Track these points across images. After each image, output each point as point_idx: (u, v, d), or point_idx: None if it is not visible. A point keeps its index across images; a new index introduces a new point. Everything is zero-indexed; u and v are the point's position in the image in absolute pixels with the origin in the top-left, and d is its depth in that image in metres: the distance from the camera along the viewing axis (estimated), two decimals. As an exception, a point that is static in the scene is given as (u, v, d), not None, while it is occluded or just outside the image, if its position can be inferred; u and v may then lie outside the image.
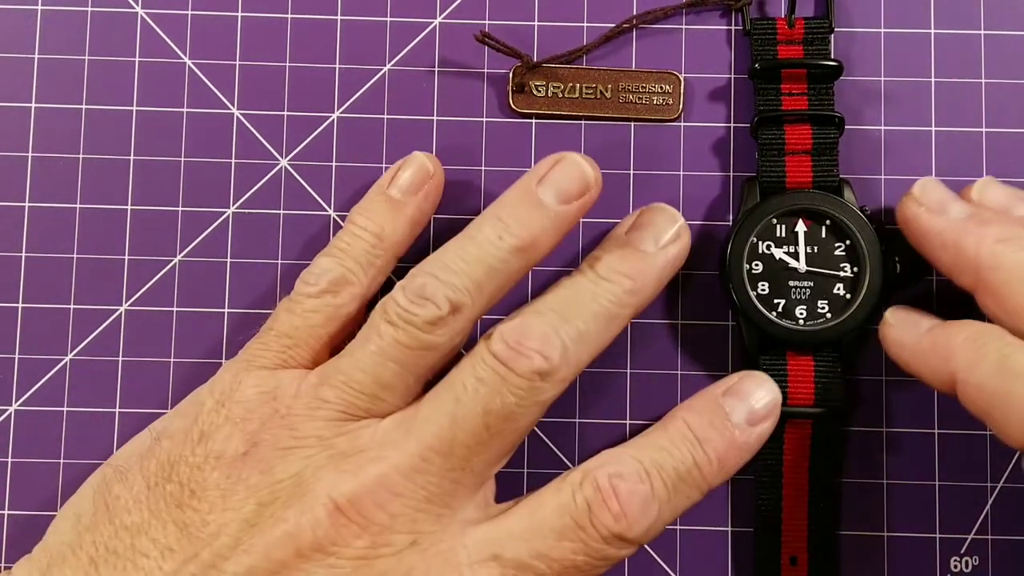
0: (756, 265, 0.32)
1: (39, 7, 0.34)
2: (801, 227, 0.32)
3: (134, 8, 0.34)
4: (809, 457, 0.32)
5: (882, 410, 0.33)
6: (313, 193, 0.34)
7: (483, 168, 0.34)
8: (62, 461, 0.33)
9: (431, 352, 0.29)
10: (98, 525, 0.29)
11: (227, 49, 0.34)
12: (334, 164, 0.34)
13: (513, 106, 0.34)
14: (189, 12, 0.34)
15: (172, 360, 0.33)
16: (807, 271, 0.31)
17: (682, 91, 0.34)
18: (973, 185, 0.31)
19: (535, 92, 0.34)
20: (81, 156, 0.34)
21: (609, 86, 0.34)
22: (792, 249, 0.32)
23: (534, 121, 0.34)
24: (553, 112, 0.34)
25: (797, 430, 0.32)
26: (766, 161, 0.32)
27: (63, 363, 0.33)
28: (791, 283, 0.31)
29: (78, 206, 0.34)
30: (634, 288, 0.30)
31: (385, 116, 0.34)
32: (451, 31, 0.34)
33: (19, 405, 0.33)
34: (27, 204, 0.34)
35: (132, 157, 0.34)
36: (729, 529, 0.33)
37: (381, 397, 0.29)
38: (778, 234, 0.32)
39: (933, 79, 0.34)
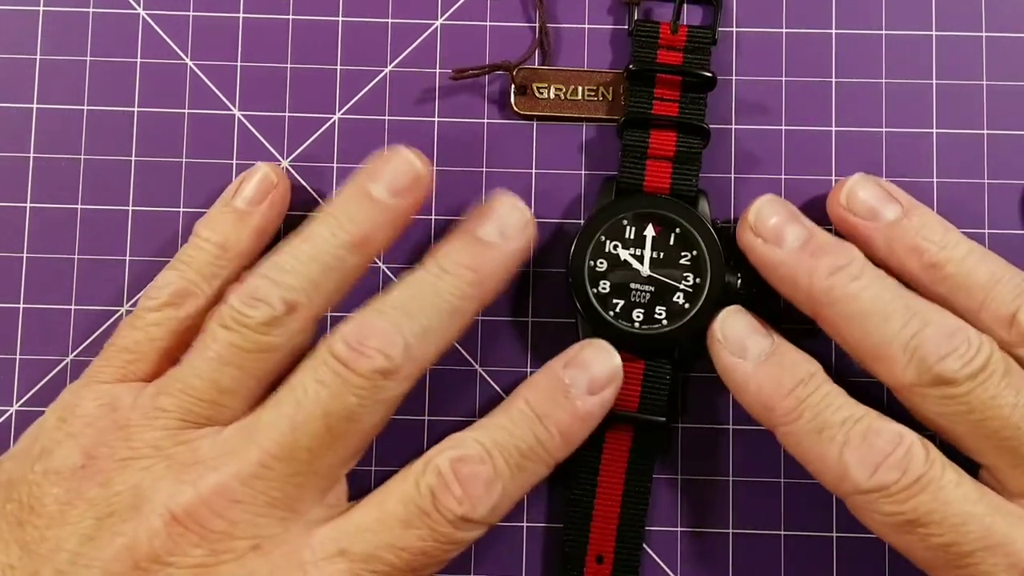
0: (600, 263, 0.32)
1: (40, 7, 0.34)
2: (650, 231, 0.32)
3: (136, 9, 0.34)
4: (627, 460, 0.32)
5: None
6: (314, 194, 0.34)
7: (484, 169, 0.34)
8: (63, 462, 0.33)
9: (269, 354, 0.29)
10: None
11: (228, 50, 0.34)
12: (335, 165, 0.34)
13: (515, 108, 0.34)
14: (190, 13, 0.34)
15: (173, 361, 0.33)
16: (649, 276, 0.31)
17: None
18: (844, 185, 0.31)
19: (537, 94, 0.34)
20: (82, 157, 0.34)
21: (611, 88, 0.34)
22: (638, 252, 0.32)
23: (536, 123, 0.34)
24: (555, 114, 0.34)
25: (618, 433, 0.32)
26: (627, 162, 0.32)
27: (64, 364, 0.33)
28: (632, 285, 0.31)
29: (79, 207, 0.34)
30: (477, 280, 0.30)
31: (386, 117, 0.34)
32: (453, 32, 0.34)
33: (20, 405, 0.33)
34: (28, 205, 0.34)
35: (133, 158, 0.34)
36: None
37: (221, 403, 0.29)
38: (627, 235, 0.32)
39: (935, 80, 0.34)
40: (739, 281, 0.31)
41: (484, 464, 0.29)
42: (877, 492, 0.28)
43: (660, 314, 0.31)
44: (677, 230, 0.32)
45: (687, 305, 0.31)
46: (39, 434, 0.30)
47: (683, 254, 0.32)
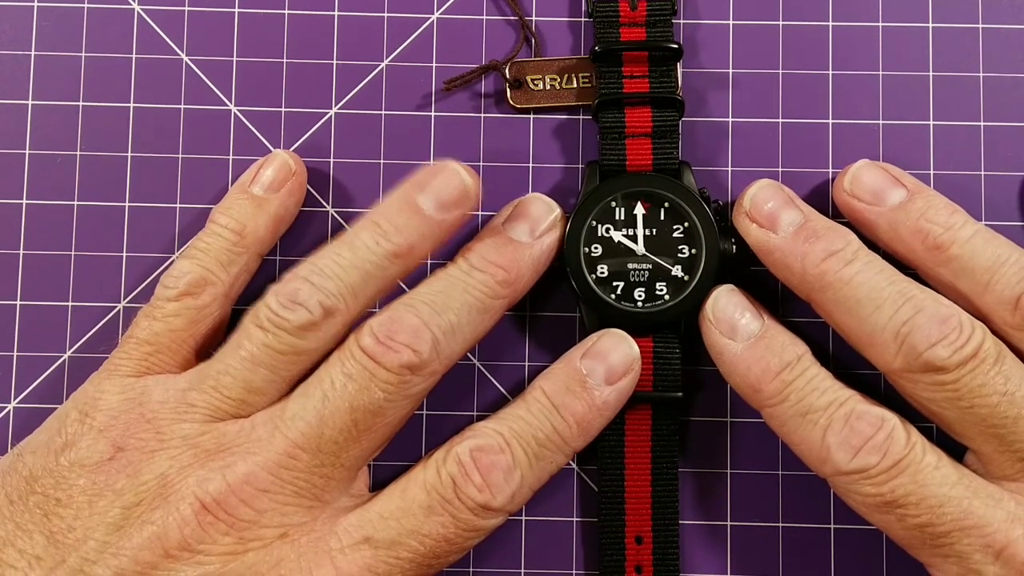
0: (595, 248, 0.32)
1: (35, 3, 0.34)
2: (639, 210, 0.32)
3: (131, 4, 0.34)
4: (650, 439, 0.32)
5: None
6: (311, 190, 0.34)
7: (481, 164, 0.34)
8: (61, 458, 0.33)
9: (302, 357, 0.29)
10: None
11: (224, 45, 0.34)
12: (332, 160, 0.34)
13: (511, 102, 0.34)
14: (186, 8, 0.34)
15: (170, 357, 0.33)
16: (645, 254, 0.32)
17: (679, 74, 0.34)
18: (848, 171, 0.32)
19: (532, 86, 0.34)
20: (78, 153, 0.34)
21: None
22: (631, 232, 0.32)
23: (532, 116, 0.34)
24: (552, 104, 0.34)
25: (637, 414, 0.32)
26: (607, 144, 0.32)
27: (61, 360, 0.33)
28: (630, 266, 0.32)
29: (76, 203, 0.34)
30: (508, 279, 0.30)
31: (383, 112, 0.34)
32: (449, 26, 0.34)
33: (17, 402, 0.33)
34: (24, 201, 0.34)
35: (129, 154, 0.34)
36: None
37: (249, 402, 0.29)
38: (617, 217, 0.32)
39: (931, 72, 0.34)
40: (734, 247, 0.31)
41: (503, 453, 0.29)
42: (857, 474, 0.28)
43: (661, 290, 0.31)
44: (666, 204, 0.32)
45: (686, 277, 0.31)
46: (60, 427, 0.29)
47: (675, 227, 0.32)
